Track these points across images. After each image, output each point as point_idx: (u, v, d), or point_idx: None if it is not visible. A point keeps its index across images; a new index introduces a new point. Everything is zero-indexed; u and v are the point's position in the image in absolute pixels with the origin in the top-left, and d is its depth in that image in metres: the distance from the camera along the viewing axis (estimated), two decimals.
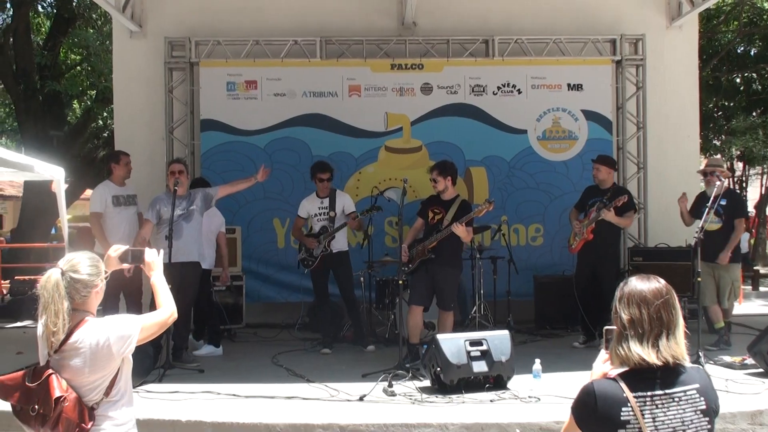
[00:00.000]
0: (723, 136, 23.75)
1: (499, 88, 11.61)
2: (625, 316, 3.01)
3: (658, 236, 11.12)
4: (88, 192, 11.13)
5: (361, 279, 10.37)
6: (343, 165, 11.42)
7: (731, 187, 9.35)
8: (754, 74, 24.01)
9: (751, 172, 29.63)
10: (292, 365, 8.39)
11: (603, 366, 3.11)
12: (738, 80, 24.58)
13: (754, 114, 23.54)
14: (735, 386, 7.20)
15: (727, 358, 8.32)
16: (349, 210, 9.70)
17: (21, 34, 18.96)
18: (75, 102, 23.06)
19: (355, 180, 11.50)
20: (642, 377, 2.96)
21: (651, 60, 11.81)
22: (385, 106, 11.55)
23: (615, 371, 3.03)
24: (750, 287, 16.57)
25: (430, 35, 11.65)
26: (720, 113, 24.58)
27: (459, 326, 9.70)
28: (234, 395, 6.99)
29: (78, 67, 21.34)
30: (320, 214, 9.68)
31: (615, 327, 3.07)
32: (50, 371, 3.53)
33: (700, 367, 3.10)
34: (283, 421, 6.21)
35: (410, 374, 7.61)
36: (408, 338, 8.60)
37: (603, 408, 2.95)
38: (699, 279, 8.50)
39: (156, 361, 8.07)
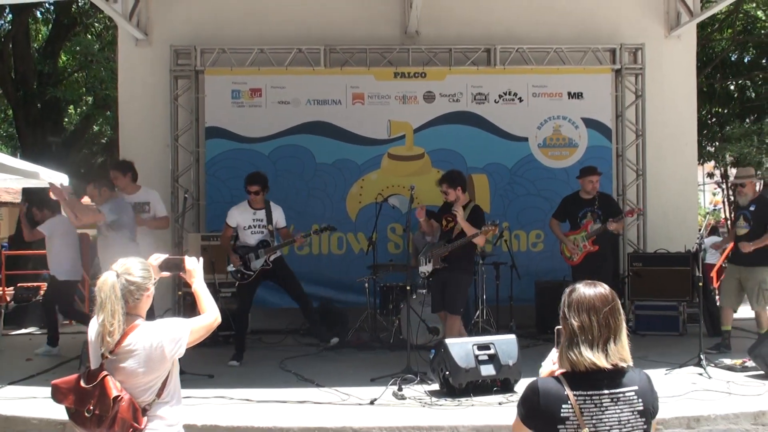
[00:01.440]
0: (717, 143, 23.92)
1: (500, 96, 11.77)
2: (575, 323, 3.17)
3: (657, 242, 11.28)
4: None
5: (366, 285, 10.48)
6: (346, 172, 11.58)
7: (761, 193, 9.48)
8: (747, 81, 24.18)
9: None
10: (300, 370, 8.48)
11: (552, 366, 3.30)
12: (732, 87, 24.75)
13: (747, 121, 23.74)
14: (737, 388, 7.36)
15: (728, 361, 8.48)
16: (281, 225, 9.61)
17: (20, 41, 19.07)
18: (71, 108, 23.11)
19: (359, 187, 11.63)
20: (588, 378, 3.12)
21: (650, 69, 11.99)
22: (388, 114, 11.69)
23: (561, 371, 3.20)
24: None
25: (433, 44, 11.81)
26: (714, 120, 24.74)
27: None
28: (247, 400, 7.09)
29: (76, 74, 21.43)
30: (255, 227, 9.44)
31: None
32: (105, 373, 3.65)
33: (639, 369, 3.21)
34: (297, 424, 6.31)
35: (418, 378, 7.72)
36: None
37: (545, 404, 3.12)
38: (701, 284, 8.65)
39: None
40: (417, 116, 11.71)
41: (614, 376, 3.14)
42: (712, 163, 26.87)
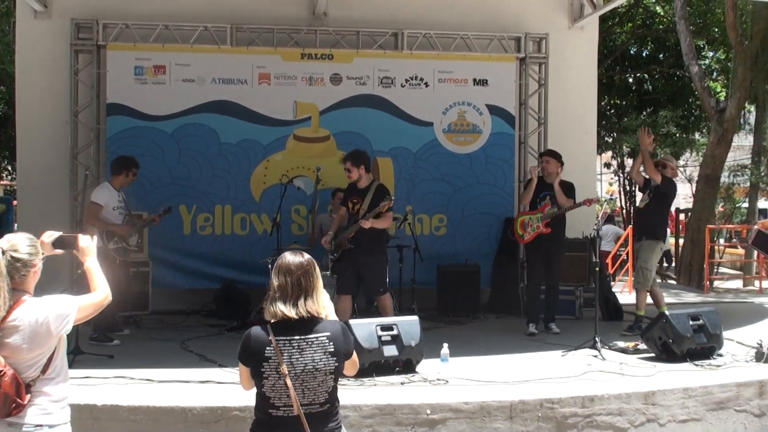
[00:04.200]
0: (615, 134, 24.56)
1: (407, 80, 11.83)
2: (275, 283, 3.90)
3: None
4: None
5: (269, 266, 10.42)
6: (251, 152, 11.50)
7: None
8: (645, 75, 24.92)
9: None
10: (203, 351, 8.41)
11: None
12: (630, 80, 25.47)
13: (644, 113, 24.44)
14: (629, 369, 7.60)
15: (621, 344, 8.74)
16: None
17: None
18: None
19: (263, 168, 11.55)
20: (286, 326, 3.86)
21: (553, 59, 12.24)
22: (294, 95, 11.62)
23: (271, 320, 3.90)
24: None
25: (341, 26, 11.78)
26: (613, 111, 25.42)
27: (365, 312, 9.89)
28: (148, 380, 6.99)
29: None
30: (120, 207, 9.48)
31: None
32: None
33: (337, 320, 4.05)
34: (200, 404, 6.25)
35: None
36: None
37: (254, 346, 3.87)
38: (597, 269, 8.91)
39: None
40: (323, 98, 11.68)
41: (307, 325, 3.88)
42: (610, 153, 27.61)
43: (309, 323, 3.89)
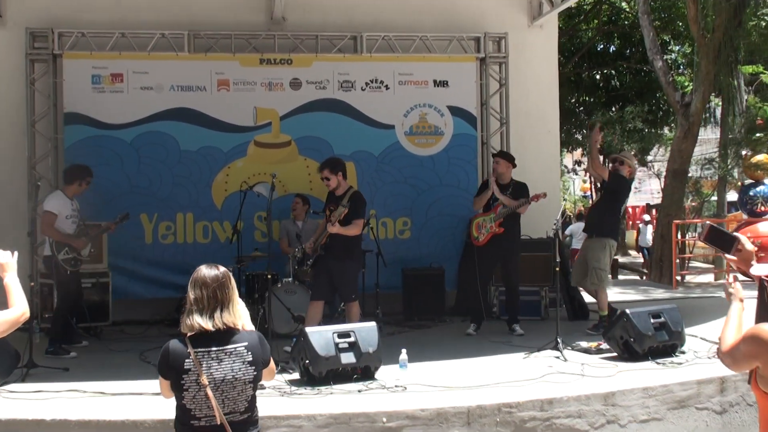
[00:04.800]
0: (584, 131, 24.63)
1: (367, 83, 11.79)
2: (192, 296, 3.99)
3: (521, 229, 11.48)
4: None
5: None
6: (211, 159, 11.41)
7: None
8: (613, 71, 25.00)
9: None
10: None
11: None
12: (598, 77, 25.55)
13: (613, 109, 24.53)
14: (590, 370, 7.59)
15: (584, 344, 8.73)
16: None
17: None
18: None
19: (224, 175, 11.45)
20: (204, 338, 3.95)
21: (513, 58, 12.22)
22: (254, 101, 11.54)
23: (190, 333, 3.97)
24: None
25: (299, 30, 11.70)
26: (581, 108, 25.50)
27: (328, 318, 9.82)
28: (101, 393, 6.89)
29: None
30: (73, 216, 9.40)
31: None
32: None
33: (254, 330, 4.12)
34: (152, 417, 6.17)
35: (280, 367, 7.68)
36: None
37: (173, 359, 3.95)
38: (557, 269, 8.89)
39: (18, 360, 7.88)
40: (283, 103, 11.60)
41: (225, 336, 3.98)
42: (580, 150, 27.70)
43: (226, 334, 4.00)
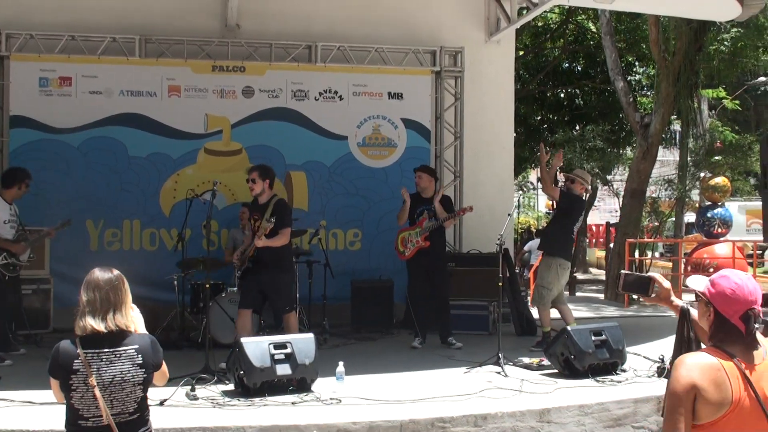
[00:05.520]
0: (548, 149, 24.66)
1: (320, 93, 11.73)
2: (84, 298, 4.05)
3: (472, 243, 11.48)
4: None
5: (174, 282, 10.18)
6: (160, 166, 11.28)
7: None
8: (577, 90, 25.12)
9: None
10: None
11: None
12: (562, 95, 25.66)
13: (577, 127, 24.61)
14: (529, 386, 7.55)
15: (526, 360, 8.68)
16: None
17: None
18: None
19: (173, 182, 11.32)
20: (95, 339, 3.98)
21: (469, 72, 12.20)
22: (205, 108, 11.43)
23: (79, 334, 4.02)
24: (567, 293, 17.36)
25: (254, 38, 11.60)
26: (545, 126, 25.58)
27: (274, 329, 9.70)
28: (29, 402, 6.73)
29: None
30: (12, 221, 9.24)
31: None
32: None
33: (146, 333, 4.17)
34: None
35: (216, 378, 7.57)
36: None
37: (63, 360, 3.98)
38: (500, 284, 8.85)
39: None
40: (235, 111, 11.50)
41: (116, 338, 4.02)
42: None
43: (118, 336, 4.03)
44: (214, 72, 11.43)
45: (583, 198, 10.06)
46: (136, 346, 4.06)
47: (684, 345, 3.40)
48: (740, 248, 17.69)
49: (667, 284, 3.75)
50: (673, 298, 3.71)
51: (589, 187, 11.07)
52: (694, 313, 3.47)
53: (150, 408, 4.24)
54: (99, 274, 4.10)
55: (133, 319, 4.13)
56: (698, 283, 3.28)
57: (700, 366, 3.05)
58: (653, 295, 3.78)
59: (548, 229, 10.26)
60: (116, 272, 4.15)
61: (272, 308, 9.05)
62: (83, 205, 11.01)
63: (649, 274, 3.88)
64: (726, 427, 3.02)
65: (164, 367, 4.24)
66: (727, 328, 3.13)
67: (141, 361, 4.05)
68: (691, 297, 3.82)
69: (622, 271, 3.99)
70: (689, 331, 3.46)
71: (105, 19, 11.27)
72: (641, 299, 3.95)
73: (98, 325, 3.97)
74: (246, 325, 8.55)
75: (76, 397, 3.95)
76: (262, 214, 8.48)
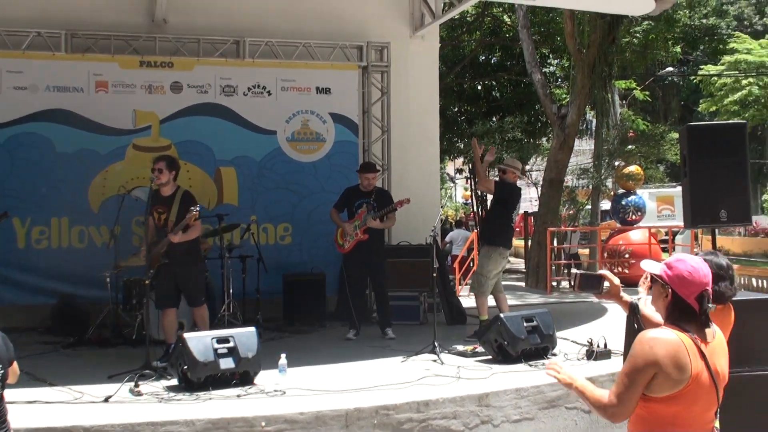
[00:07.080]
0: (466, 140, 25.06)
1: (249, 89, 11.76)
2: None
3: (400, 235, 11.63)
4: None
5: (107, 280, 10.13)
6: (88, 162, 11.15)
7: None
8: (494, 82, 25.53)
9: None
10: (34, 369, 8.04)
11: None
12: (480, 87, 26.05)
13: (494, 119, 25.04)
14: (466, 372, 7.75)
15: (460, 347, 8.92)
16: None
17: None
18: None
19: (102, 178, 11.22)
20: None
21: (395, 67, 12.39)
22: (133, 104, 11.35)
23: None
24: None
25: (181, 33, 11.57)
26: (463, 118, 25.92)
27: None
28: None
29: None
30: None
31: None
32: None
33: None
34: (24, 425, 5.97)
35: (158, 374, 7.60)
36: (165, 339, 8.66)
37: None
38: (435, 274, 9.06)
39: None
40: (164, 106, 11.46)
41: None
42: (462, 159, 28.17)
43: None
44: (142, 67, 11.36)
45: (517, 185, 10.31)
46: None
47: (634, 337, 3.57)
48: (654, 234, 18.32)
49: (617, 281, 4.00)
50: (623, 293, 3.96)
51: (520, 174, 11.34)
52: (642, 308, 3.73)
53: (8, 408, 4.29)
54: None
55: None
56: (653, 266, 3.53)
57: (662, 342, 3.30)
58: (604, 291, 4.02)
59: (485, 219, 10.50)
60: None
61: (188, 302, 8.85)
62: (9, 202, 10.71)
63: (600, 272, 4.14)
64: (682, 398, 3.29)
65: (15, 365, 4.29)
66: (682, 308, 3.38)
67: None
68: (636, 293, 4.07)
69: (577, 271, 4.24)
70: (639, 324, 3.71)
71: (29, 13, 11.08)
72: (594, 295, 4.19)
73: None
74: (172, 323, 8.61)
75: None
76: (168, 207, 8.45)
